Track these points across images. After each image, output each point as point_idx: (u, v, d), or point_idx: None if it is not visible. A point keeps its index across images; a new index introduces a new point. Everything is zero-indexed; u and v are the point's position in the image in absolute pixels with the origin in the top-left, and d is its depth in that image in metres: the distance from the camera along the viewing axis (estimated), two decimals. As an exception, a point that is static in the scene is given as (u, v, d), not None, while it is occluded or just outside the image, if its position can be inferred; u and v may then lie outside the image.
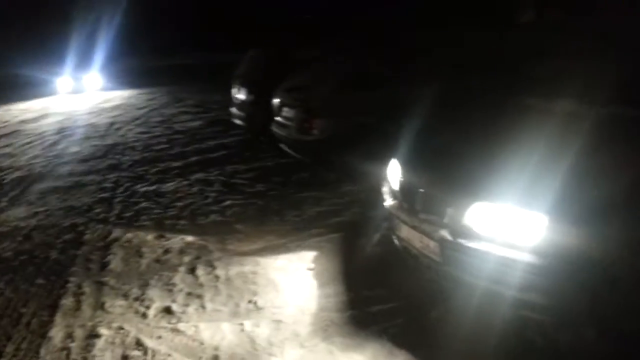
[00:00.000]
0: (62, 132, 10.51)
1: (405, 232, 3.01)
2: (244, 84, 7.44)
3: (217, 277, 3.53)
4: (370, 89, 5.27)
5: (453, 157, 2.96)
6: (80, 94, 16.10)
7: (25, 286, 3.63)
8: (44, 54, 16.53)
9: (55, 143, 9.38)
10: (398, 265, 3.33)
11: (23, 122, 12.51)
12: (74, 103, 14.69)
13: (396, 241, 3.18)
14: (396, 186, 3.22)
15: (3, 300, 3.45)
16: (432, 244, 2.74)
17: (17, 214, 5.34)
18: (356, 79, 5.44)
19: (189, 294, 3.34)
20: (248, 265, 3.67)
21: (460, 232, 2.59)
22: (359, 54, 5.94)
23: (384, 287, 3.23)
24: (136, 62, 21.68)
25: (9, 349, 2.87)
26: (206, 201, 5.21)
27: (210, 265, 3.71)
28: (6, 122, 12.54)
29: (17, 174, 7.22)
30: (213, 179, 5.98)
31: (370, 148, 5.18)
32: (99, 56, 17.16)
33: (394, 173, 3.31)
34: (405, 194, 3.08)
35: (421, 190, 2.90)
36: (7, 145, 9.55)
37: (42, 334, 2.99)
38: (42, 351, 2.82)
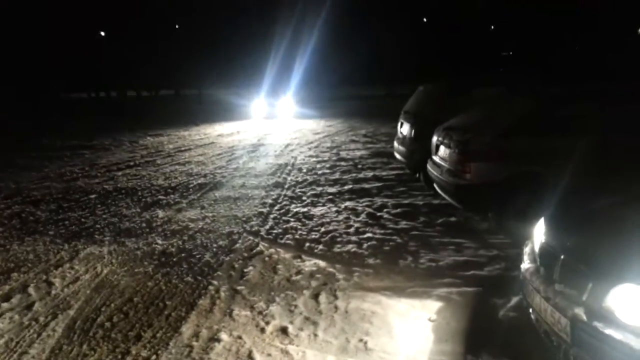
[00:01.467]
0: (246, 148, 11.77)
1: (537, 301, 2.67)
2: (408, 119, 7.46)
3: (336, 308, 3.56)
4: (541, 135, 4.84)
5: (607, 226, 2.56)
6: (272, 119, 17.91)
7: (176, 281, 4.11)
8: (244, 81, 18.70)
9: (237, 157, 10.54)
10: (530, 337, 2.96)
11: (219, 135, 14.36)
12: (263, 125, 16.41)
13: (530, 310, 2.84)
14: (537, 247, 2.89)
15: (157, 290, 3.96)
16: (563, 321, 2.38)
17: (190, 216, 6.10)
18: (526, 122, 5.02)
19: (306, 318, 3.43)
20: (369, 303, 3.62)
21: (598, 314, 2.22)
22: (534, 94, 5.49)
23: (508, 359, 2.90)
24: (322, 90, 23.30)
25: (147, 334, 3.28)
26: (348, 230, 5.31)
27: (333, 295, 3.76)
28: (207, 135, 14.53)
29: (202, 180, 8.28)
30: (360, 210, 6.07)
31: (530, 200, 4.75)
32: (292, 84, 18.75)
33: (539, 232, 2.98)
34: (545, 258, 2.75)
35: (562, 256, 2.56)
36: (201, 155, 11.03)
37: (176, 328, 3.34)
38: (171, 343, 3.15)
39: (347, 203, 6.41)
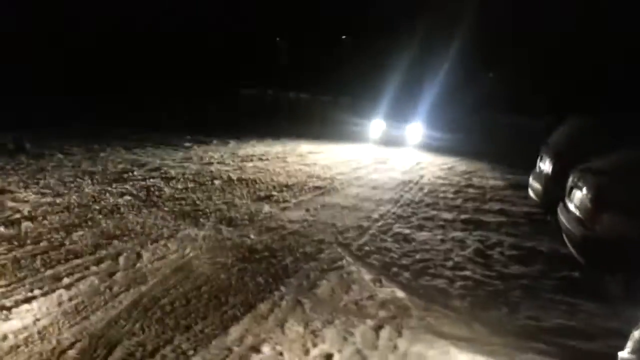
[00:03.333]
0: (378, 161, 11.56)
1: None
2: (547, 154, 6.56)
3: (395, 347, 3.16)
4: None
5: None
6: (395, 146, 15.27)
7: (248, 279, 4.05)
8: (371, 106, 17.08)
9: (362, 167, 10.38)
10: None
11: (350, 156, 14.34)
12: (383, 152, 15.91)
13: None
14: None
15: (226, 284, 3.94)
16: None
17: (291, 216, 6.08)
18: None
19: (357, 351, 3.09)
20: (435, 350, 3.15)
21: None
22: None
23: None
24: (452, 116, 21.59)
25: (198, 327, 3.24)
26: (445, 263, 4.78)
27: (398, 331, 3.35)
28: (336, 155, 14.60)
29: (319, 183, 8.27)
30: (469, 243, 5.45)
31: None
32: (420, 107, 16.45)
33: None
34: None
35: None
36: (326, 157, 11.10)
37: (225, 328, 3.25)
38: (213, 342, 3.06)
39: (457, 233, 5.82)
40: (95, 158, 9.00)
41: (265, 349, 3.04)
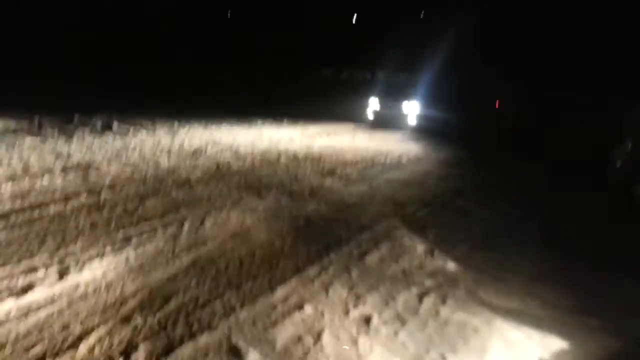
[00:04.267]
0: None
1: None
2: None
3: (436, 313, 3.16)
4: None
5: None
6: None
7: (300, 246, 4.19)
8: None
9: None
10: None
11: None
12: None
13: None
14: None
15: (278, 250, 4.10)
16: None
17: (353, 190, 6.14)
18: None
19: (397, 315, 3.13)
20: (478, 319, 3.11)
21: None
22: None
23: None
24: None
25: (247, 286, 3.42)
26: (509, 237, 4.64)
27: (442, 300, 3.34)
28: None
29: (389, 160, 8.25)
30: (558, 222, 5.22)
31: None
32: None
33: None
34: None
35: None
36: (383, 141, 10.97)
37: (273, 287, 3.42)
38: (260, 300, 3.23)
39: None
40: (174, 135, 9.56)
41: (308, 308, 3.17)
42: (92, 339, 2.67)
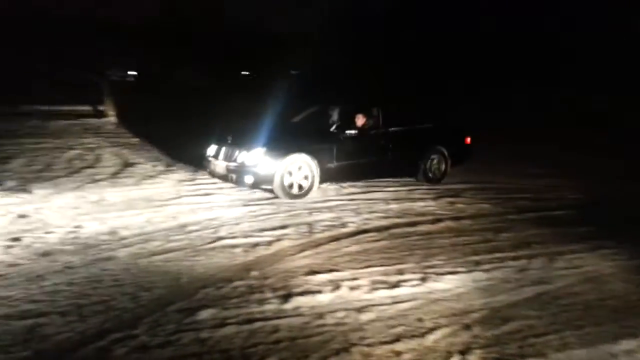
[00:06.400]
0: None
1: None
2: None
3: None
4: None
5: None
6: None
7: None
8: None
9: None
10: None
11: None
12: None
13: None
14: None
15: (635, 303, 3.79)
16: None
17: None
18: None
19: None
20: None
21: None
22: None
23: None
24: None
25: (589, 328, 3.39)
26: None
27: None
28: None
29: None
30: None
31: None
32: None
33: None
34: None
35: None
36: None
37: (617, 338, 3.26)
38: (601, 346, 3.17)
39: None
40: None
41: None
42: (438, 334, 3.26)
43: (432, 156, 7.95)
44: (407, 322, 3.40)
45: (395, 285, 3.97)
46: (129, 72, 24.36)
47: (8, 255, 4.25)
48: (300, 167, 6.53)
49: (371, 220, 5.80)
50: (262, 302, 3.58)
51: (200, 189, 6.74)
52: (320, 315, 3.41)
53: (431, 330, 3.30)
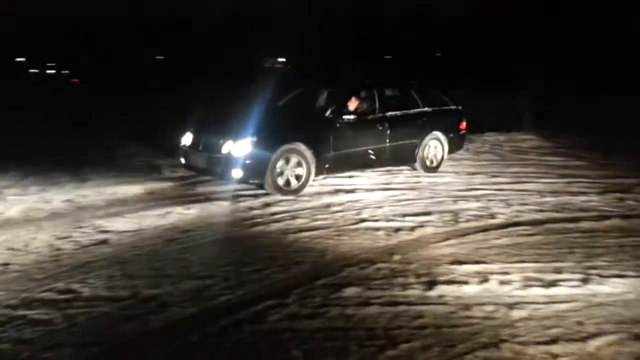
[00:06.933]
0: None
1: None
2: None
3: None
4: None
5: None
6: None
7: None
8: None
9: None
10: None
11: None
12: None
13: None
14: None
15: None
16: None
17: None
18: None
19: None
20: None
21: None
22: None
23: None
24: None
25: None
26: None
27: None
28: None
29: None
30: None
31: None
32: None
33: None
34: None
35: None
36: None
37: None
38: None
39: None
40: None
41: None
42: (602, 340, 2.93)
43: (430, 142, 7.32)
44: (565, 324, 3.12)
45: (552, 284, 3.66)
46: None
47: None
48: (295, 158, 5.83)
49: (523, 212, 5.42)
50: (405, 286, 3.56)
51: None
52: (467, 307, 3.28)
53: (594, 335, 2.99)
